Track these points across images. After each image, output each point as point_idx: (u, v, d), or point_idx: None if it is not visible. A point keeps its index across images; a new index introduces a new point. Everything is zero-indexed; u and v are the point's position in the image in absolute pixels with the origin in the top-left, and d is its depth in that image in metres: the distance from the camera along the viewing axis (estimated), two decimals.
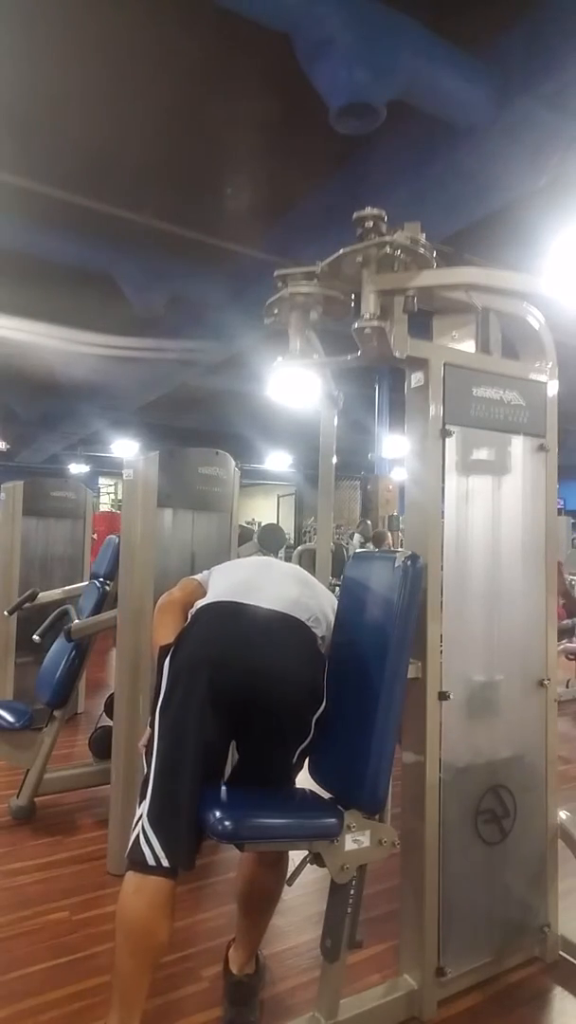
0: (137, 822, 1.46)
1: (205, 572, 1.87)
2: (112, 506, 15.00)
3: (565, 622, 5.30)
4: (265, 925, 1.73)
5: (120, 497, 10.36)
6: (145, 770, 1.51)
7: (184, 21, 2.83)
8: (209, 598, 1.69)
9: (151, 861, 1.41)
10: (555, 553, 2.06)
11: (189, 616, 1.67)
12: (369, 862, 1.53)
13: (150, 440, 11.79)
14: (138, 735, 2.37)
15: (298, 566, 1.93)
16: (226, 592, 1.68)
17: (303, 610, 1.65)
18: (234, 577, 1.77)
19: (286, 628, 1.61)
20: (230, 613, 1.62)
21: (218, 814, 1.38)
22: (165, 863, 1.40)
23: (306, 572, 1.89)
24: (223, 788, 1.52)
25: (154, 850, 1.41)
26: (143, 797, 1.48)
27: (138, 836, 1.44)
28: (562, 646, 4.98)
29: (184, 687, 1.50)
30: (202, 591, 1.77)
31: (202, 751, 1.47)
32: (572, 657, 5.17)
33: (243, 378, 6.99)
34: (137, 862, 1.42)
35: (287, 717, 1.56)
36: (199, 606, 1.67)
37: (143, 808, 1.46)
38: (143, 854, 1.42)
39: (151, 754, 1.50)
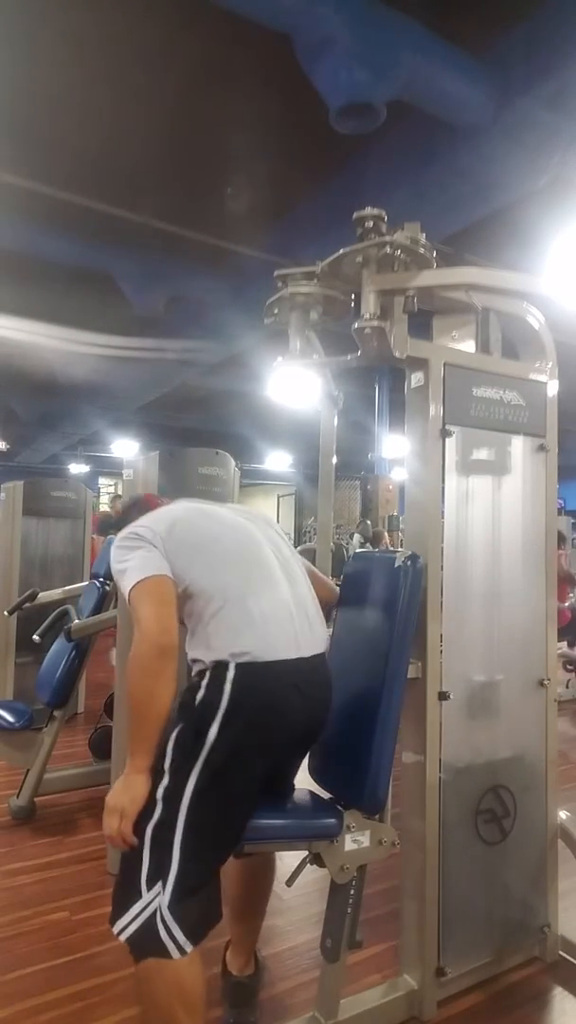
0: (148, 906, 1.26)
1: (152, 553, 1.40)
2: (111, 506, 14.99)
3: (569, 601, 5.27)
4: (259, 925, 1.73)
5: (116, 497, 10.35)
6: (152, 845, 1.29)
7: (184, 21, 2.83)
8: (249, 645, 1.36)
9: (175, 953, 1.23)
10: (555, 553, 2.06)
11: (213, 663, 1.36)
12: (369, 862, 1.53)
13: (150, 440, 11.80)
14: None
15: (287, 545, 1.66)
16: (270, 639, 1.38)
17: (326, 633, 1.57)
18: (252, 589, 1.43)
19: (324, 665, 1.52)
20: (291, 685, 1.39)
21: None
22: (188, 949, 1.25)
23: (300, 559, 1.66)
24: None
25: (176, 939, 1.24)
26: (159, 880, 1.26)
27: (152, 924, 1.24)
28: (561, 651, 4.97)
29: (245, 767, 1.34)
30: (178, 590, 1.41)
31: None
32: (571, 668, 5.15)
33: (243, 378, 6.99)
34: (155, 951, 1.24)
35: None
36: (243, 662, 1.35)
37: (162, 896, 1.25)
38: (164, 946, 1.23)
39: (173, 830, 1.28)
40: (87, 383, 7.63)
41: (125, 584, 1.38)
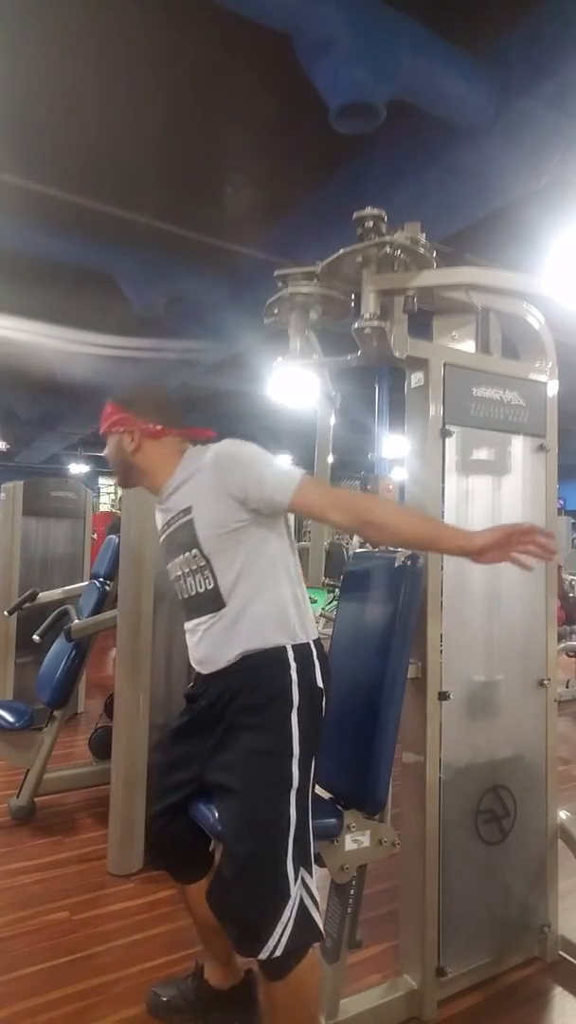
0: (294, 899, 1.26)
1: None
2: (112, 506, 15.01)
3: (563, 628, 5.31)
4: None
5: (120, 497, 10.35)
6: (297, 821, 1.31)
7: (184, 21, 2.83)
8: (312, 633, 1.47)
9: (320, 929, 1.30)
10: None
11: (314, 645, 1.45)
12: (369, 862, 1.53)
13: None
14: (138, 735, 2.38)
15: None
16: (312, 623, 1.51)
17: None
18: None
19: None
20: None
21: (217, 814, 1.38)
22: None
23: None
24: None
25: (320, 917, 1.30)
26: (303, 863, 1.30)
27: (305, 913, 1.27)
28: (563, 644, 4.99)
29: (319, 733, 1.42)
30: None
31: None
32: (573, 654, 5.18)
33: (243, 378, 6.99)
34: (311, 941, 1.29)
35: None
36: (315, 639, 1.46)
37: (307, 876, 1.29)
38: (318, 931, 1.29)
39: (307, 798, 1.35)
40: (87, 383, 7.62)
41: (285, 482, 1.38)
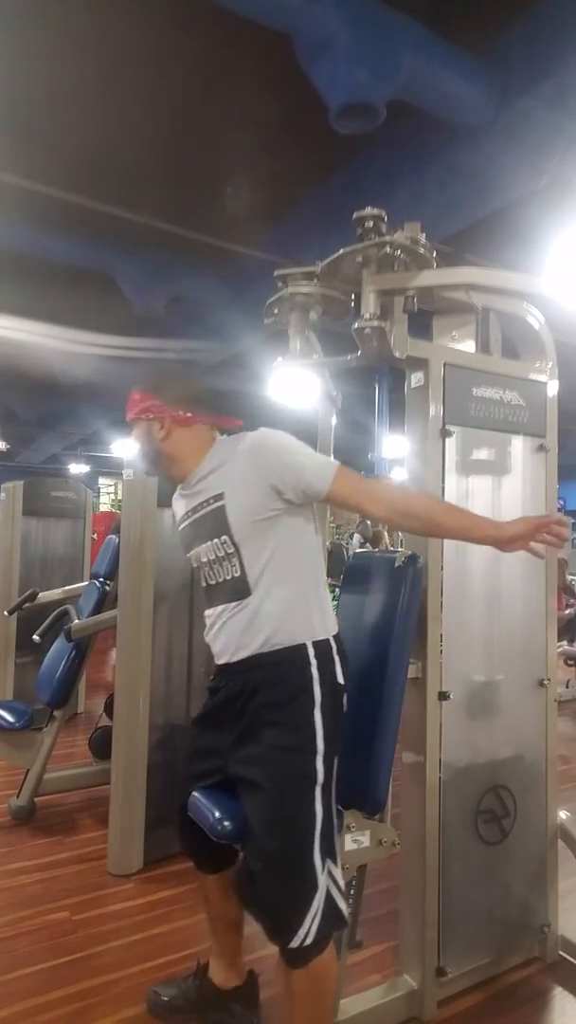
0: (322, 889, 1.31)
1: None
2: (112, 506, 15.01)
3: (567, 611, 5.29)
4: (241, 937, 1.68)
5: (120, 497, 10.36)
6: (323, 810, 1.34)
7: (184, 21, 2.83)
8: (332, 628, 1.47)
9: (345, 916, 1.36)
10: (555, 553, 2.06)
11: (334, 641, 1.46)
12: (369, 862, 1.53)
13: None
14: (138, 735, 2.38)
15: None
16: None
17: None
18: None
19: None
20: None
21: (217, 814, 1.38)
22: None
23: None
24: (223, 790, 1.52)
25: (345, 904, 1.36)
26: (330, 853, 1.35)
27: (332, 903, 1.32)
28: (561, 648, 4.99)
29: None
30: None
31: None
32: (572, 663, 5.17)
33: (243, 378, 6.98)
34: (336, 928, 1.34)
35: None
36: (335, 635, 1.47)
37: (333, 867, 1.35)
38: (344, 918, 1.35)
39: (331, 791, 1.38)
40: (87, 383, 7.62)
41: (323, 472, 1.39)
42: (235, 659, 1.43)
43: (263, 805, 1.33)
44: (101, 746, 3.01)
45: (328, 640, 1.43)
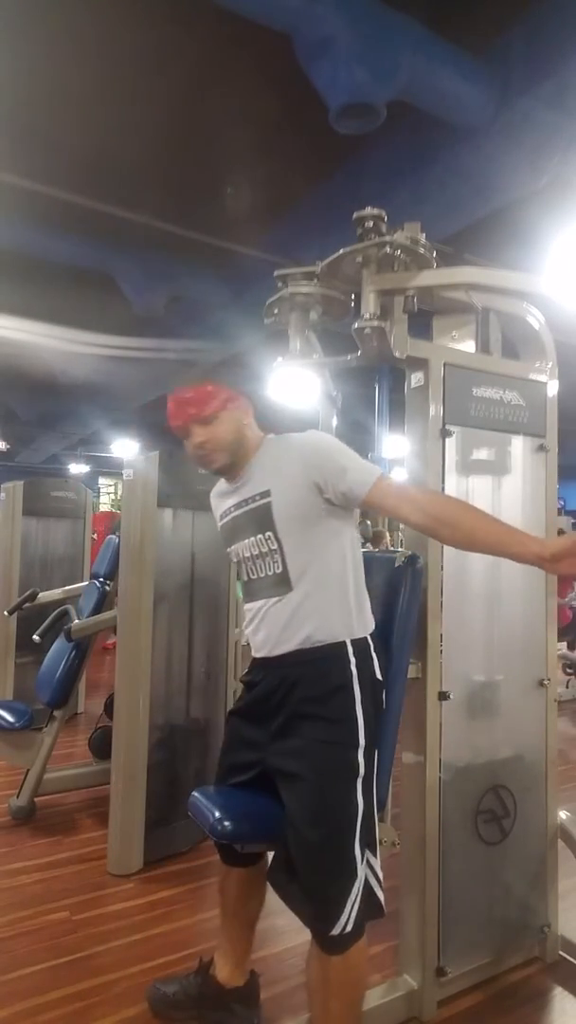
0: (361, 878, 1.34)
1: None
2: (112, 506, 15.00)
3: (570, 599, 5.27)
4: (252, 935, 1.69)
5: (120, 497, 10.35)
6: (364, 802, 1.37)
7: (184, 21, 2.82)
8: (370, 626, 1.51)
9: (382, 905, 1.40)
10: None
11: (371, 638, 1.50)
12: None
13: (150, 440, 11.79)
14: (138, 735, 2.38)
15: None
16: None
17: None
18: None
19: None
20: None
21: (217, 814, 1.38)
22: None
23: None
24: (222, 789, 1.52)
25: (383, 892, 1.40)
26: (370, 843, 1.39)
27: (370, 890, 1.37)
28: (560, 652, 4.98)
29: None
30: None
31: None
32: (571, 672, 5.15)
33: (243, 378, 6.98)
34: (371, 917, 1.37)
35: None
36: (371, 632, 1.51)
37: (372, 858, 1.39)
38: (381, 906, 1.39)
39: (372, 784, 1.41)
40: (87, 383, 7.62)
41: (365, 476, 1.42)
42: (274, 654, 1.46)
43: (307, 796, 1.35)
44: (101, 746, 3.01)
45: (366, 638, 1.47)
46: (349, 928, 1.31)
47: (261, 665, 1.51)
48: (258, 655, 1.51)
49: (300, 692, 1.41)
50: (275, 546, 1.44)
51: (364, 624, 1.48)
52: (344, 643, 1.42)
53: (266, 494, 1.46)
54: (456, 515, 1.41)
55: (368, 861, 1.37)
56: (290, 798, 1.38)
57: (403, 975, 1.75)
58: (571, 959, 1.93)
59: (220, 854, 1.61)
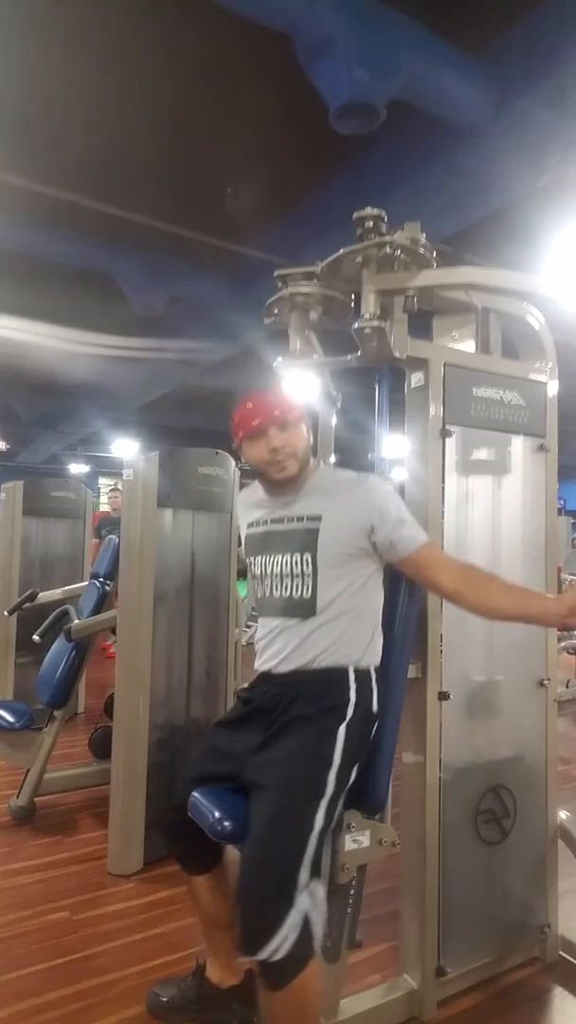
0: (301, 907, 1.25)
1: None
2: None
3: (563, 633, 5.29)
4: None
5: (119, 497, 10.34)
6: (321, 826, 1.32)
7: (184, 20, 2.82)
8: (376, 660, 1.54)
9: (318, 946, 1.29)
10: (555, 553, 2.06)
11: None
12: (369, 862, 1.52)
13: (150, 440, 11.79)
14: (138, 735, 2.38)
15: None
16: None
17: None
18: None
19: None
20: None
21: (217, 814, 1.38)
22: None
23: None
24: (222, 790, 1.52)
25: (320, 930, 1.30)
26: (316, 873, 1.30)
27: (307, 924, 1.25)
28: (563, 643, 4.99)
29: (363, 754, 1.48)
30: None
31: None
32: (573, 652, 5.18)
33: (243, 378, 6.98)
34: (308, 954, 1.27)
35: None
36: (377, 665, 1.53)
37: (317, 888, 1.30)
38: (315, 943, 1.28)
39: (336, 810, 1.37)
40: (87, 383, 7.62)
41: (418, 535, 1.48)
42: (278, 670, 1.48)
43: (266, 807, 1.33)
44: (101, 746, 3.01)
45: (368, 670, 1.48)
46: (278, 956, 1.20)
47: (263, 680, 1.53)
48: (263, 668, 1.53)
49: (295, 709, 1.43)
50: (309, 571, 1.46)
51: (372, 656, 1.50)
52: (347, 669, 1.45)
53: (316, 518, 1.48)
54: (485, 589, 1.47)
55: (312, 892, 1.28)
56: (254, 809, 1.35)
57: (403, 975, 1.75)
58: (571, 959, 1.93)
59: (179, 865, 1.61)
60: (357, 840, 1.49)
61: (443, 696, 1.75)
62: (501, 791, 1.86)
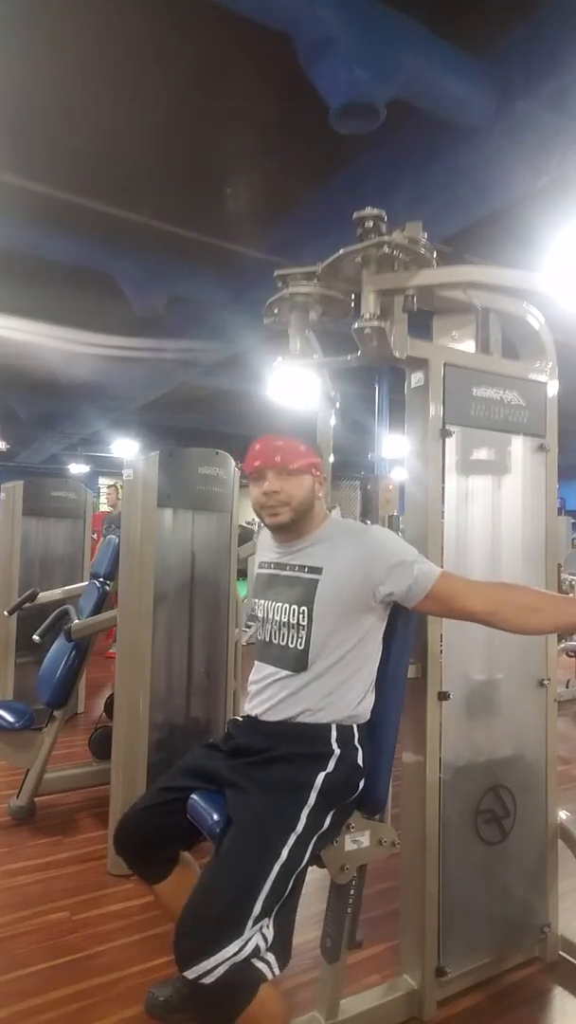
0: (247, 944, 1.18)
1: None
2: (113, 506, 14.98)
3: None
4: None
5: (120, 496, 10.35)
6: (278, 873, 1.26)
7: (183, 20, 2.82)
8: (364, 717, 1.52)
9: (268, 975, 1.21)
10: (555, 553, 2.06)
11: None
12: (369, 862, 1.53)
13: (150, 440, 11.79)
14: (138, 735, 2.38)
15: None
16: None
17: None
18: None
19: None
20: None
21: (216, 816, 1.38)
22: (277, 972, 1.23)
23: None
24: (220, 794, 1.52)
25: (270, 965, 1.21)
26: (267, 916, 1.23)
27: (250, 960, 1.18)
28: (563, 644, 4.99)
29: (343, 806, 1.45)
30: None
31: None
32: (573, 654, 5.18)
33: (243, 378, 6.99)
34: (250, 988, 1.19)
35: None
36: (364, 722, 1.52)
37: (267, 930, 1.22)
38: (254, 984, 1.19)
39: (299, 863, 1.31)
40: (87, 383, 7.63)
41: (431, 569, 1.47)
42: (264, 718, 1.48)
43: (235, 831, 1.32)
44: (101, 746, 3.01)
45: (352, 728, 1.47)
46: (206, 981, 1.13)
47: (249, 722, 1.54)
48: (251, 712, 1.53)
49: (279, 751, 1.43)
50: (304, 623, 1.46)
51: (359, 714, 1.48)
52: (330, 727, 1.44)
53: (316, 571, 1.48)
54: (518, 605, 1.46)
55: (263, 931, 1.21)
56: (226, 835, 1.33)
57: (403, 975, 1.75)
58: (571, 959, 1.93)
59: (139, 875, 1.60)
60: (357, 840, 1.49)
61: (443, 696, 1.75)
62: (501, 791, 1.86)
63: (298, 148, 3.68)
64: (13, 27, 2.81)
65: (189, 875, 1.56)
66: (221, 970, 1.14)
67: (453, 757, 1.78)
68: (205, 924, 1.20)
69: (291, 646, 1.48)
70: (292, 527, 1.52)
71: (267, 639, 1.55)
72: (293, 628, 1.48)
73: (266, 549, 1.65)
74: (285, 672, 1.48)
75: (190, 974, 1.15)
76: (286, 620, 1.50)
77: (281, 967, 1.23)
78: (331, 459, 2.05)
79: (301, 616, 1.47)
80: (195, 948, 1.17)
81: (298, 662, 1.46)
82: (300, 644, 1.46)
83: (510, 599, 1.47)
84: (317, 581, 1.46)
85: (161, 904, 1.61)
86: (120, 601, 2.48)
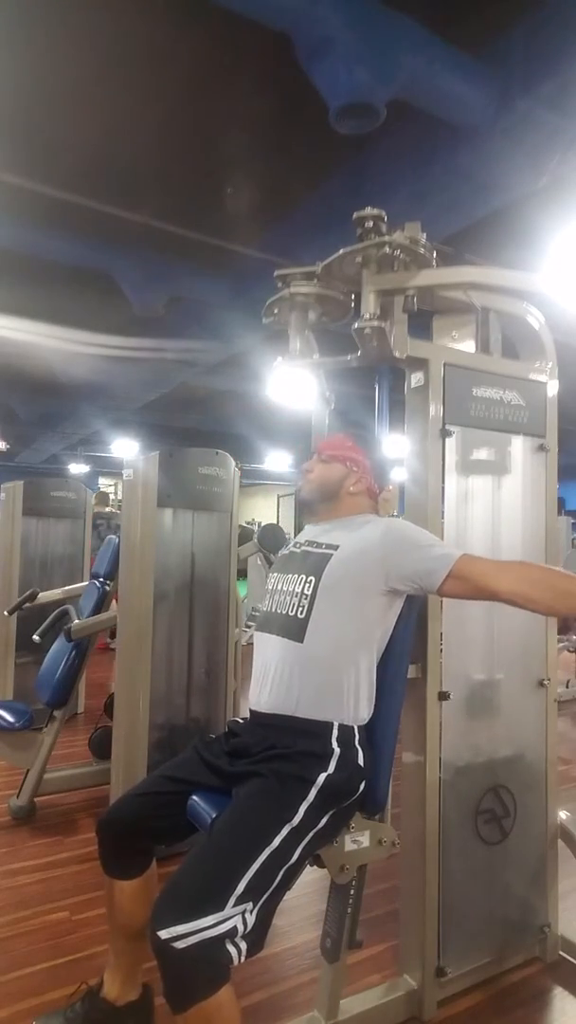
0: (224, 922, 1.16)
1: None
2: (112, 505, 14.98)
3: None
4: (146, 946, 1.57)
5: (120, 497, 10.35)
6: (264, 863, 1.25)
7: (183, 20, 2.82)
8: (365, 717, 1.51)
9: (236, 960, 1.18)
10: (555, 553, 2.06)
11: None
12: (369, 862, 1.53)
13: (150, 440, 11.79)
14: (138, 735, 2.38)
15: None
16: None
17: None
18: None
19: None
20: None
21: (215, 816, 1.38)
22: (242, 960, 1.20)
23: None
24: (220, 794, 1.52)
25: (241, 953, 1.19)
26: (250, 900, 1.21)
27: (225, 944, 1.16)
28: (563, 643, 5.00)
29: (344, 805, 1.43)
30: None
31: None
32: (573, 650, 5.20)
33: (243, 378, 6.99)
34: (218, 976, 1.18)
35: None
36: (365, 723, 1.51)
37: (249, 916, 1.20)
38: (225, 968, 1.19)
39: (287, 858, 1.29)
40: (87, 383, 7.63)
41: (452, 551, 1.48)
42: (267, 710, 1.48)
43: (230, 811, 1.33)
44: (101, 746, 3.01)
45: (353, 728, 1.46)
46: (177, 946, 1.11)
47: (253, 718, 1.54)
48: (256, 707, 1.53)
49: (276, 751, 1.43)
50: (310, 592, 1.48)
51: (358, 714, 1.47)
52: (331, 725, 1.44)
53: (333, 547, 1.52)
54: (547, 584, 1.45)
55: (244, 915, 1.18)
56: (219, 818, 1.34)
57: (403, 975, 1.75)
58: (571, 959, 1.93)
59: (104, 868, 1.56)
60: (357, 840, 1.49)
61: (443, 696, 1.75)
62: (501, 791, 1.86)
63: (298, 148, 3.68)
64: (12, 27, 2.82)
65: (152, 888, 1.54)
66: (193, 939, 1.13)
67: (453, 757, 1.78)
68: (188, 891, 1.20)
69: (291, 614, 1.50)
70: (315, 507, 1.66)
71: (269, 609, 1.58)
72: (298, 596, 1.50)
73: (300, 535, 1.70)
74: (284, 641, 1.48)
75: (163, 934, 1.13)
76: (292, 589, 1.53)
77: (250, 955, 1.21)
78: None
79: (307, 586, 1.49)
80: (173, 911, 1.16)
81: (296, 630, 1.47)
82: (301, 612, 1.48)
83: (539, 579, 1.46)
84: (331, 556, 1.51)
85: (110, 902, 1.55)
86: (120, 601, 2.48)
